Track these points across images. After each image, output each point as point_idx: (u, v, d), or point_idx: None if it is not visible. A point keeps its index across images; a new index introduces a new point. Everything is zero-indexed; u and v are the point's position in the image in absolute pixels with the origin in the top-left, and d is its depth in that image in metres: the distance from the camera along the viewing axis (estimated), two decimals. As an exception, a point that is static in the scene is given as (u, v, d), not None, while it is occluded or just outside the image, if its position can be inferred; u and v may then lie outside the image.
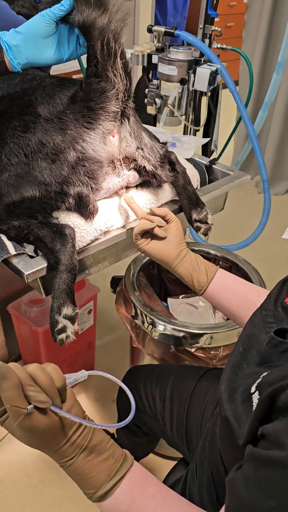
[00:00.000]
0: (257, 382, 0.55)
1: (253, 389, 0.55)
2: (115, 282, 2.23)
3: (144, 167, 0.88)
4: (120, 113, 0.81)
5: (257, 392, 0.53)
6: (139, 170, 0.89)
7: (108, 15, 0.75)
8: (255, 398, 0.53)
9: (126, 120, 0.83)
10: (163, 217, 0.88)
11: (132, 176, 0.88)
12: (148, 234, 0.88)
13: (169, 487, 0.85)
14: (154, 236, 0.88)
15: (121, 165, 0.85)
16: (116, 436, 1.36)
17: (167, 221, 0.89)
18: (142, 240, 0.87)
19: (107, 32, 0.75)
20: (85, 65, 1.38)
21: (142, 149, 0.87)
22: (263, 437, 0.48)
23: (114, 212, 0.88)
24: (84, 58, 0.89)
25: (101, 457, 0.59)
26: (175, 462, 1.48)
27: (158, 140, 0.96)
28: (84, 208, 0.81)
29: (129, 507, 0.58)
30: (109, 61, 0.77)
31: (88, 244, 0.86)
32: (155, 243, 0.88)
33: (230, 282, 0.88)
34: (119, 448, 0.62)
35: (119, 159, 0.84)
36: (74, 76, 2.12)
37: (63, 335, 0.78)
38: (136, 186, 0.94)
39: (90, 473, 0.58)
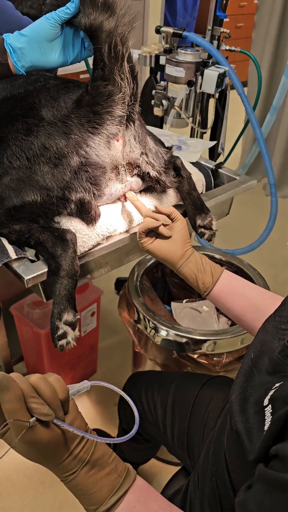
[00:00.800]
0: (269, 394, 0.53)
1: (266, 401, 0.53)
2: (120, 283, 2.22)
3: (148, 173, 0.87)
4: (125, 117, 0.80)
5: (270, 405, 0.52)
6: (143, 176, 0.88)
7: (115, 18, 0.74)
8: (268, 412, 0.51)
9: (132, 123, 0.82)
10: (168, 215, 0.86)
11: (135, 182, 0.87)
12: (153, 232, 0.86)
13: (169, 498, 0.84)
14: (158, 235, 0.86)
15: (124, 171, 0.84)
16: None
17: (172, 220, 0.87)
18: (146, 239, 0.85)
19: (115, 35, 0.73)
20: (91, 66, 1.37)
21: (146, 154, 0.86)
22: (276, 457, 0.46)
23: (116, 217, 0.87)
24: (91, 59, 0.88)
25: (103, 472, 0.57)
26: (176, 468, 1.48)
27: (163, 144, 0.95)
28: (86, 214, 0.80)
29: None
30: (116, 65, 0.75)
31: (90, 249, 0.85)
32: (160, 242, 0.85)
33: (236, 284, 0.86)
34: (121, 462, 0.60)
35: (123, 165, 0.83)
36: (81, 76, 2.11)
37: (63, 341, 0.77)
38: (140, 191, 0.93)
39: (92, 488, 0.56)
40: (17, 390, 0.49)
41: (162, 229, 0.84)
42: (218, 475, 0.72)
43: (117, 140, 0.81)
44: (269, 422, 0.50)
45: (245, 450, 0.52)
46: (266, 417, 0.51)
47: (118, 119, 0.79)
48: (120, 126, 0.80)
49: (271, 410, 0.51)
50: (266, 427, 0.50)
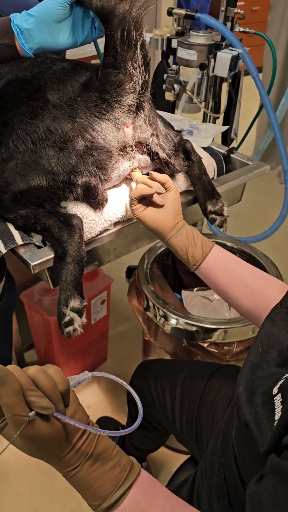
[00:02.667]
0: (279, 383, 0.51)
1: (275, 390, 0.51)
2: (131, 271, 2.21)
3: (157, 153, 0.84)
4: (135, 105, 0.78)
5: (279, 394, 0.50)
6: (152, 156, 0.85)
7: (129, 1, 0.70)
8: (278, 401, 0.49)
9: (141, 110, 0.80)
10: (162, 184, 0.83)
11: (143, 160, 0.84)
12: (145, 200, 0.82)
13: (176, 487, 0.84)
14: (150, 203, 0.83)
15: (132, 150, 0.82)
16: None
17: (166, 189, 0.84)
18: (138, 205, 0.82)
19: (128, 21, 0.70)
20: (101, 49, 1.34)
21: (157, 136, 0.84)
22: None
23: (124, 203, 0.85)
24: (100, 41, 0.85)
25: (107, 466, 0.55)
26: (186, 456, 1.47)
27: (172, 127, 0.92)
28: (93, 199, 0.78)
29: None
30: (129, 52, 0.72)
31: (97, 235, 0.83)
32: (152, 210, 0.82)
33: (226, 260, 0.84)
34: (125, 456, 0.58)
35: (131, 145, 0.81)
36: (92, 61, 2.08)
37: (70, 328, 0.76)
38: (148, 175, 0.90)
39: (95, 483, 0.54)
40: (15, 383, 0.47)
41: (156, 197, 0.81)
42: (226, 467, 0.70)
43: (127, 127, 0.79)
44: (280, 412, 0.48)
45: (255, 442, 0.50)
46: (276, 406, 0.49)
47: (127, 107, 0.77)
48: (129, 114, 0.78)
49: (281, 399, 0.49)
50: (276, 417, 0.48)
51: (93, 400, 1.68)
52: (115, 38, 0.71)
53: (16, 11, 0.77)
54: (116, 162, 0.79)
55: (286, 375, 0.52)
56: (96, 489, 0.54)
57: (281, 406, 0.48)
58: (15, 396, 0.47)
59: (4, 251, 0.76)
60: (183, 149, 0.92)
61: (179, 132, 0.93)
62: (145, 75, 0.76)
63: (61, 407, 0.51)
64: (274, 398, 0.50)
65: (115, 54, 0.72)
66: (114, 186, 0.86)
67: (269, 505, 0.42)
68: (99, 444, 0.55)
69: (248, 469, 0.60)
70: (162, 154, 0.85)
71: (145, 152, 0.84)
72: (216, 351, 1.19)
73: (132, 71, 0.74)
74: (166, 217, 0.83)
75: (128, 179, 0.88)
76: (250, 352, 0.63)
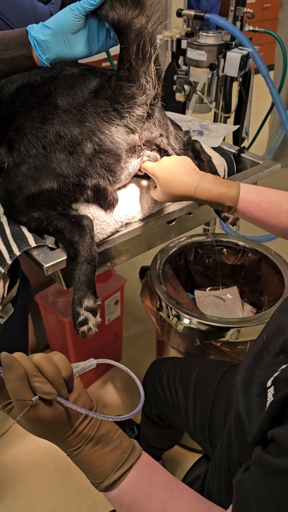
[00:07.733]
0: (274, 376, 0.53)
1: (269, 383, 0.53)
2: (144, 272, 2.22)
3: (167, 151, 0.85)
4: (145, 115, 0.79)
5: (272, 387, 0.52)
6: (161, 153, 0.86)
7: (145, 16, 0.71)
8: (270, 393, 0.51)
9: (151, 117, 0.81)
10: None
11: (152, 155, 0.85)
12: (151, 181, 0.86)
13: (187, 485, 0.85)
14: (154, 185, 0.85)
15: (141, 149, 0.83)
16: (141, 427, 1.35)
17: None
18: (152, 190, 0.85)
19: (144, 36, 0.71)
20: (111, 52, 1.36)
21: (167, 137, 0.85)
22: (273, 441, 0.46)
23: (135, 204, 0.86)
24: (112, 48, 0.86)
25: (108, 448, 0.58)
26: (200, 455, 1.48)
27: (180, 128, 0.93)
28: (103, 200, 0.80)
29: (134, 498, 0.58)
30: (143, 67, 0.74)
31: (108, 236, 0.84)
32: (157, 189, 0.85)
33: (255, 191, 0.78)
34: (127, 439, 0.61)
35: (140, 145, 0.82)
36: (103, 65, 2.09)
37: (85, 328, 0.77)
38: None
39: (96, 463, 0.58)
40: (20, 369, 0.51)
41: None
42: (229, 458, 0.72)
43: (134, 134, 0.80)
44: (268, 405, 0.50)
45: (244, 431, 0.52)
46: (268, 399, 0.51)
47: (137, 117, 0.78)
48: (139, 122, 0.79)
49: (273, 392, 0.51)
50: (266, 409, 0.50)
51: (108, 400, 1.70)
52: (130, 52, 0.72)
53: (24, 20, 0.78)
54: (125, 163, 0.81)
55: (283, 366, 0.53)
56: (97, 468, 0.58)
57: (272, 399, 0.50)
58: (20, 381, 0.50)
59: (18, 253, 0.78)
60: (193, 149, 0.92)
61: (187, 132, 0.94)
62: (157, 88, 0.78)
63: (63, 392, 0.55)
64: (268, 391, 0.52)
65: (130, 68, 0.74)
66: (124, 186, 0.87)
67: (252, 496, 0.44)
68: (101, 427, 0.59)
69: (245, 456, 0.62)
70: (171, 152, 0.86)
71: (154, 149, 0.85)
72: (229, 350, 1.19)
73: (145, 84, 0.75)
74: (176, 185, 0.79)
75: (138, 179, 0.89)
76: (255, 342, 0.65)
